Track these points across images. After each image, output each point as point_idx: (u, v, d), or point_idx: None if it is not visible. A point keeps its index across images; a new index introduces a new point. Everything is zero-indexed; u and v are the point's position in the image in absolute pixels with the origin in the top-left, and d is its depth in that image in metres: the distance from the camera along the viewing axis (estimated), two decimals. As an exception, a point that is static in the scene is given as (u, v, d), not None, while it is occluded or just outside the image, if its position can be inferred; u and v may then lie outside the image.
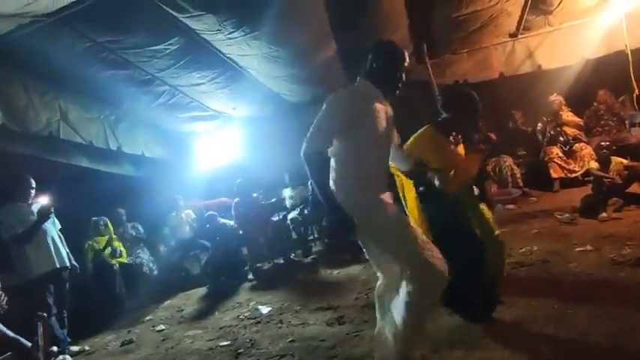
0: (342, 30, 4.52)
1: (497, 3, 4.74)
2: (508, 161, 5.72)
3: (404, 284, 1.90)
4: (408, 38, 5.31)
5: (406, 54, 2.08)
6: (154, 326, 4.03)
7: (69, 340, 3.78)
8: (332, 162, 2.05)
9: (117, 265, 4.78)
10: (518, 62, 5.41)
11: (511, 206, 5.11)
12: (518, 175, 5.63)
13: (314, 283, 4.24)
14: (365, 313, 3.08)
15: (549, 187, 5.52)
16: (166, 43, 4.14)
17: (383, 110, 2.02)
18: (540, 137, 5.88)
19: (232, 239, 4.95)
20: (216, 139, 6.82)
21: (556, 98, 5.79)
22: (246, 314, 3.74)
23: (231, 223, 5.09)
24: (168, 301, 4.81)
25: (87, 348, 3.84)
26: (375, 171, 2.04)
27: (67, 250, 3.86)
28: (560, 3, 4.84)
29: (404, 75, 2.07)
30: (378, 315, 2.19)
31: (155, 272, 5.21)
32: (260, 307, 3.79)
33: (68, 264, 3.79)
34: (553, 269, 3.11)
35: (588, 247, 3.34)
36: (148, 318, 4.33)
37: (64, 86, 4.51)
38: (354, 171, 1.99)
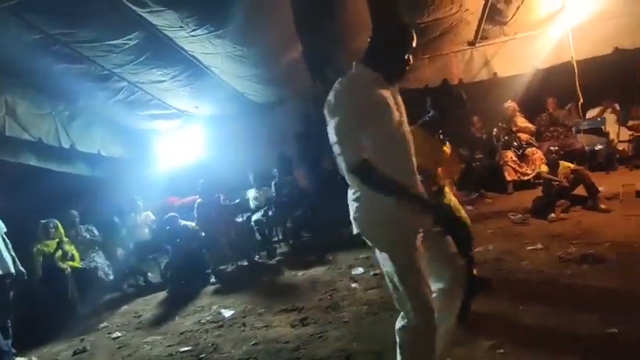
0: (308, 32, 4.54)
1: (457, 12, 4.95)
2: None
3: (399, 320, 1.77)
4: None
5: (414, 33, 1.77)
6: (109, 333, 3.85)
7: (14, 351, 3.53)
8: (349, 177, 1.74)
9: (69, 269, 4.52)
10: (475, 69, 5.66)
11: (469, 207, 5.32)
12: (476, 178, 5.87)
13: (278, 284, 4.21)
14: (329, 314, 3.11)
15: (504, 189, 5.81)
16: (125, 38, 3.98)
17: (391, 98, 1.72)
18: (495, 142, 6.17)
19: (194, 241, 4.82)
20: (179, 138, 6.63)
21: (510, 105, 6.09)
22: (208, 318, 3.65)
23: (193, 224, 4.96)
24: (125, 307, 4.61)
25: (34, 359, 3.60)
26: (401, 172, 1.68)
27: (13, 255, 3.61)
28: (513, 15, 5.12)
29: (412, 58, 1.76)
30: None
31: (111, 277, 4.98)
32: (222, 310, 3.72)
33: (13, 270, 3.54)
34: (506, 267, 3.28)
35: (539, 246, 3.55)
36: (102, 325, 4.13)
37: (12, 80, 4.22)
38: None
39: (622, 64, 6.01)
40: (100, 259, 5.00)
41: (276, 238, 5.59)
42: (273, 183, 5.67)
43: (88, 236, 5.13)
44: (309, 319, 3.10)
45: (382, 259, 1.74)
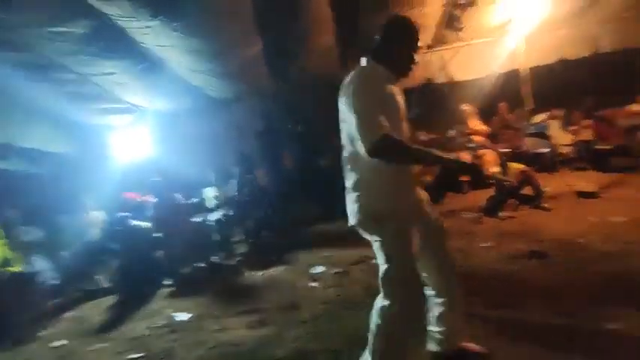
0: (269, 28, 4.47)
1: (417, 16, 5.06)
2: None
3: (381, 301, 1.81)
4: (333, 42, 5.43)
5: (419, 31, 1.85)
6: (51, 342, 3.58)
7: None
8: (349, 159, 1.83)
9: (5, 274, 4.16)
10: (434, 72, 5.83)
11: (426, 207, 5.47)
12: (428, 179, 6.04)
13: (237, 286, 4.11)
14: (287, 314, 3.07)
15: (459, 189, 6.02)
16: (71, 25, 3.71)
17: (399, 94, 1.81)
18: (452, 143, 6.40)
19: (147, 242, 4.60)
20: (133, 134, 6.31)
21: (467, 107, 6.34)
22: (161, 323, 3.49)
23: (146, 224, 4.73)
24: (71, 313, 4.31)
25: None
26: (401, 169, 1.79)
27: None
28: (469, 22, 5.32)
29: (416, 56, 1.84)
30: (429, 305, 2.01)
31: (55, 281, 4.64)
32: (177, 314, 3.56)
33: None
34: (458, 265, 3.37)
35: (490, 244, 3.70)
36: (43, 333, 3.84)
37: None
38: (379, 171, 1.74)
39: (566, 72, 6.45)
40: (42, 263, 4.65)
41: (235, 239, 5.46)
42: (232, 181, 5.53)
43: (29, 238, 4.75)
44: (267, 320, 3.04)
45: (378, 246, 1.80)
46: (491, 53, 5.81)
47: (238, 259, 4.90)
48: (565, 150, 6.04)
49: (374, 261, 3.82)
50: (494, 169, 5.66)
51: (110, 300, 4.45)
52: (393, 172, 1.76)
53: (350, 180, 1.83)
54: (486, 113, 6.73)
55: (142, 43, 4.21)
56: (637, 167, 5.47)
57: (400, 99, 1.82)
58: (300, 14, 4.53)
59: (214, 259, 4.87)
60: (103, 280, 4.94)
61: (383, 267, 1.78)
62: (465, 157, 6.02)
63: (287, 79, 5.98)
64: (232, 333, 2.99)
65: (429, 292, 1.94)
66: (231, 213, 5.10)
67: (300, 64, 5.73)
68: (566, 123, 6.19)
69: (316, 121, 6.86)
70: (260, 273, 4.20)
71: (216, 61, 4.87)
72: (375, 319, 1.83)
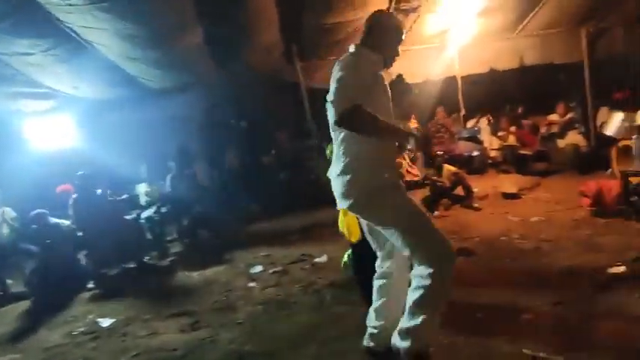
0: (211, 17, 4.27)
1: (360, 18, 5.14)
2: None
3: (420, 268, 1.77)
4: (279, 38, 5.35)
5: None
6: (-55, 357, 3.12)
7: None
8: (340, 143, 1.84)
9: None
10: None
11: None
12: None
13: (169, 287, 3.88)
14: (223, 315, 2.96)
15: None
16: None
17: (384, 80, 1.91)
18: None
19: (67, 242, 4.19)
20: (55, 122, 5.72)
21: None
22: (81, 329, 3.19)
23: (67, 222, 4.30)
24: (-26, 323, 3.80)
25: None
26: (388, 147, 1.88)
27: None
28: (410, 27, 5.51)
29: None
30: (377, 296, 2.02)
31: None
32: (100, 319, 3.28)
33: None
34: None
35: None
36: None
37: None
38: (369, 149, 1.78)
39: (495, 82, 6.96)
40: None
41: (169, 237, 5.16)
42: (169, 177, 5.23)
43: None
44: (201, 323, 2.90)
45: (383, 224, 1.81)
46: (430, 59, 6.07)
47: (172, 259, 4.64)
48: (493, 154, 6.50)
49: (316, 259, 3.86)
50: (429, 171, 5.95)
51: (22, 306, 3.99)
52: (381, 150, 1.83)
53: (339, 164, 1.84)
54: (424, 117, 7.07)
55: (66, 22, 3.80)
56: (553, 171, 6.06)
57: (385, 84, 1.91)
58: (242, 6, 4.38)
59: (145, 259, 4.57)
60: (15, 285, 4.41)
61: (396, 230, 1.77)
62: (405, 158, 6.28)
63: (231, 72, 5.78)
64: (162, 338, 2.81)
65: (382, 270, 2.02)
66: (164, 210, 4.80)
67: (244, 59, 5.57)
68: (495, 129, 6.67)
69: (261, 118, 6.74)
70: (195, 273, 4.01)
71: (155, 49, 4.56)
72: (419, 286, 1.77)
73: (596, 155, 5.85)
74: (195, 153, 6.12)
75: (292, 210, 5.80)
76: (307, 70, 5.82)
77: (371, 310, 2.04)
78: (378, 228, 1.86)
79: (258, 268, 3.81)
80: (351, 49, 1.87)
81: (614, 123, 4.39)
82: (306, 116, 5.88)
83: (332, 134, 1.91)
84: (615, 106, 5.57)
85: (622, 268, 2.54)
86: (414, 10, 5.20)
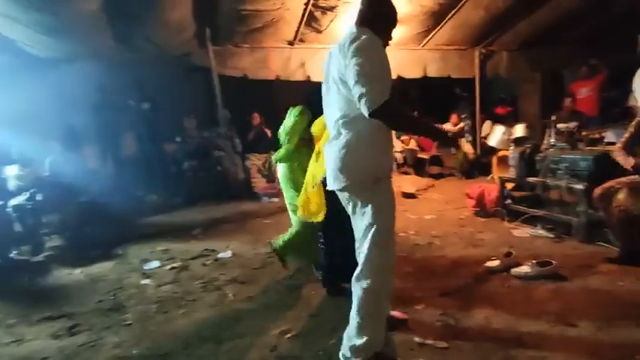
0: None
1: (279, 9, 5.05)
2: (277, 158, 6.19)
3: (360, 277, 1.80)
4: (190, 18, 5.00)
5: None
6: None
7: None
8: (343, 125, 1.77)
9: None
10: (292, 69, 5.93)
11: (275, 199, 5.55)
12: (285, 172, 6.19)
13: (43, 287, 3.35)
14: (109, 317, 2.64)
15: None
16: None
17: None
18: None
19: None
20: None
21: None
22: None
23: None
24: None
25: None
26: (389, 134, 1.88)
27: None
28: (327, 26, 5.58)
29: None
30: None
31: None
32: (-55, 327, 2.69)
33: None
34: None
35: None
36: None
37: None
38: (379, 133, 1.77)
39: (403, 89, 7.45)
40: None
41: (46, 230, 4.46)
42: (48, 159, 4.52)
43: None
44: (81, 327, 2.55)
45: (366, 206, 1.77)
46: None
47: (48, 254, 4.02)
48: (397, 156, 6.96)
49: (220, 255, 3.69)
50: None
51: None
52: (384, 134, 1.81)
53: (340, 143, 1.79)
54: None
55: None
56: (445, 175, 6.74)
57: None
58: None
59: (13, 254, 3.89)
60: None
61: (372, 226, 1.76)
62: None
63: (133, 48, 5.22)
64: (30, 345, 2.41)
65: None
66: (40, 197, 4.12)
67: (149, 35, 5.07)
68: (398, 133, 7.14)
69: (166, 102, 6.23)
70: (78, 271, 3.54)
71: (40, 10, 3.90)
72: (364, 279, 1.79)
73: (481, 162, 6.65)
74: (84, 134, 5.42)
75: (196, 203, 5.49)
76: (221, 55, 5.55)
77: None
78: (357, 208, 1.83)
79: (154, 264, 3.51)
80: (359, 30, 1.75)
81: (495, 135, 4.99)
82: (217, 104, 5.60)
83: (329, 113, 1.87)
84: (497, 120, 6.38)
85: (496, 262, 2.89)
86: (331, 9, 5.27)
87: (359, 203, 1.81)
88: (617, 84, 6.00)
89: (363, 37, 1.70)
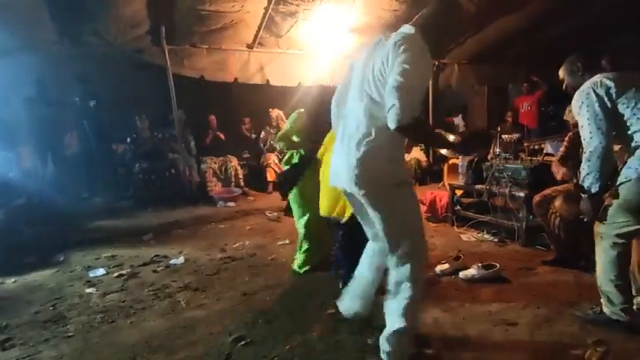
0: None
1: (239, 11, 5.00)
2: (233, 162, 6.10)
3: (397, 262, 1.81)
4: (145, 13, 4.80)
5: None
6: None
7: None
8: (373, 130, 1.70)
9: None
10: (251, 72, 5.87)
11: (231, 204, 5.45)
12: (241, 176, 6.11)
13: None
14: (47, 329, 2.45)
15: (265, 188, 6.26)
16: None
17: None
18: (262, 144, 6.62)
19: None
20: None
21: (275, 112, 6.67)
22: None
23: None
24: None
25: None
26: (402, 142, 1.85)
27: None
28: (287, 31, 5.60)
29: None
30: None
31: None
32: None
33: None
34: (257, 261, 3.47)
35: (286, 241, 3.95)
36: None
37: None
38: (399, 143, 1.79)
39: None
40: None
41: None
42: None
43: None
44: (14, 340, 2.35)
45: (381, 207, 1.76)
46: (303, 65, 6.26)
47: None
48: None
49: (171, 261, 3.55)
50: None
51: None
52: (401, 142, 1.82)
53: (358, 148, 1.72)
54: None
55: None
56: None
57: None
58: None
59: None
60: None
61: (397, 231, 1.80)
62: (272, 158, 6.34)
63: (79, 42, 4.92)
64: (-49, 364, 2.18)
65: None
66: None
67: (97, 29, 4.81)
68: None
69: (116, 100, 5.92)
70: (11, 280, 3.25)
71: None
72: (398, 282, 1.83)
73: (433, 169, 6.93)
74: (21, 132, 5.02)
75: (147, 206, 5.25)
76: (177, 55, 5.37)
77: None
78: (373, 214, 1.81)
79: (100, 272, 3.31)
80: (415, 34, 1.68)
81: (446, 144, 5.22)
82: (172, 104, 5.41)
83: (350, 113, 1.82)
84: (447, 129, 6.69)
85: (446, 265, 3.02)
86: (292, 15, 5.29)
87: (374, 205, 1.78)
88: (555, 99, 6.54)
89: (417, 44, 1.63)
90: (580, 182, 2.07)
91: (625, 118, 1.99)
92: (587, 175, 2.00)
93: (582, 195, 2.08)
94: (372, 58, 1.71)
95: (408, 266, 1.79)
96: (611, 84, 1.99)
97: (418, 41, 1.65)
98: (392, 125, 1.56)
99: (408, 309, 1.80)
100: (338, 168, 1.87)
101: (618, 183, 2.02)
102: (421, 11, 1.80)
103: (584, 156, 2.02)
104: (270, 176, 6.23)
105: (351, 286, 2.18)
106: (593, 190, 2.01)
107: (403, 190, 1.80)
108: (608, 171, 1.99)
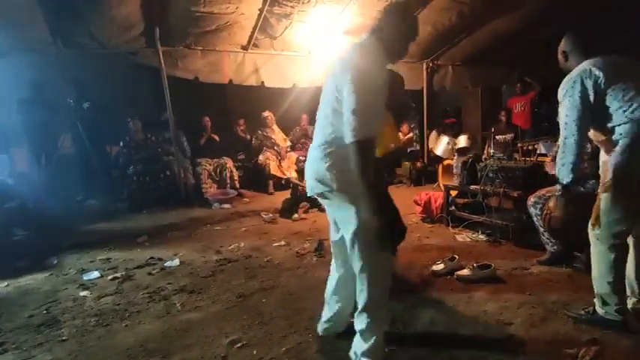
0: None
1: (233, 13, 4.99)
2: (229, 163, 6.08)
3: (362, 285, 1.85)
4: (139, 15, 4.79)
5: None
6: None
7: None
8: (335, 145, 1.75)
9: None
10: (246, 74, 5.86)
11: (227, 205, 5.44)
12: (236, 178, 6.09)
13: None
14: (41, 333, 2.43)
15: (265, 189, 6.26)
16: None
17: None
18: (257, 144, 6.62)
19: None
20: None
21: (268, 114, 6.68)
22: None
23: None
24: None
25: None
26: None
27: None
28: (282, 33, 5.60)
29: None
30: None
31: None
32: None
33: None
34: (253, 263, 3.46)
35: (282, 243, 3.94)
36: None
37: None
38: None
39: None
40: None
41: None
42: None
43: None
44: (8, 345, 2.33)
45: (347, 213, 1.77)
46: (299, 67, 6.27)
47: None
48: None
49: (167, 263, 3.54)
50: (292, 174, 6.15)
51: None
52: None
53: (327, 157, 1.78)
54: (290, 122, 7.29)
55: None
56: (394, 182, 6.93)
57: (385, 84, 1.83)
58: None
59: None
60: None
61: (361, 229, 1.76)
62: (270, 155, 6.35)
63: (72, 44, 4.89)
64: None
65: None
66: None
67: (91, 30, 4.78)
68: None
69: (110, 102, 5.89)
70: (4, 284, 3.22)
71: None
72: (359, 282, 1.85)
73: (428, 170, 6.96)
74: (14, 134, 4.98)
75: (141, 209, 5.22)
76: (171, 56, 5.35)
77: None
78: (342, 223, 1.86)
79: (94, 275, 3.29)
80: (364, 40, 1.78)
81: (441, 145, 5.26)
82: (166, 106, 5.39)
83: (321, 120, 1.85)
84: (444, 131, 6.73)
85: (441, 266, 3.04)
86: (287, 16, 5.30)
87: (349, 205, 1.79)
88: (548, 100, 6.60)
89: (366, 58, 1.72)
90: (556, 173, 2.10)
91: (610, 111, 2.00)
92: (562, 167, 2.06)
93: (559, 187, 2.13)
94: (335, 73, 1.78)
95: (369, 270, 1.82)
96: (600, 74, 1.98)
97: (371, 52, 1.76)
98: (348, 140, 1.65)
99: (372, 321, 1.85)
100: (311, 173, 1.89)
101: (608, 179, 2.04)
102: (378, 18, 1.87)
103: (559, 146, 2.07)
104: (274, 170, 6.22)
105: (327, 315, 2.18)
106: (566, 181, 2.06)
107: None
108: (579, 165, 2.03)
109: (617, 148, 1.98)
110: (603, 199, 2.05)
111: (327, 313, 2.19)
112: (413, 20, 1.89)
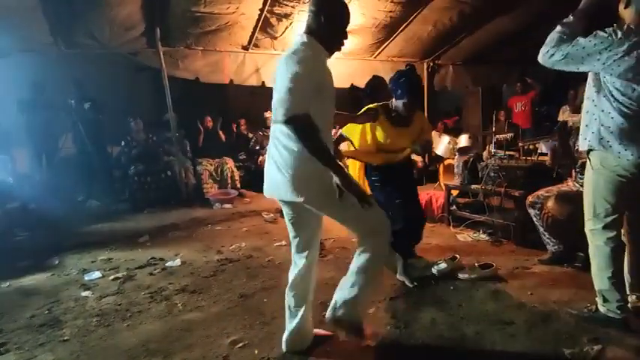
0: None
1: (234, 13, 5.00)
2: (229, 163, 6.09)
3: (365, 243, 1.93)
4: (140, 16, 4.80)
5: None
6: None
7: None
8: (284, 133, 1.76)
9: None
10: (246, 74, 5.87)
11: (228, 205, 5.44)
12: (237, 178, 6.09)
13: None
14: (43, 333, 2.43)
15: (262, 189, 6.25)
16: None
17: (330, 73, 1.88)
18: (258, 146, 6.62)
19: None
20: None
21: (269, 115, 6.66)
22: None
23: None
24: None
25: None
26: (329, 138, 1.90)
27: None
28: (282, 33, 5.60)
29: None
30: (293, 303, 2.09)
31: None
32: None
33: None
34: (254, 263, 3.47)
35: (283, 242, 3.94)
36: None
37: None
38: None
39: (354, 97, 7.63)
40: None
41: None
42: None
43: None
44: (10, 345, 2.33)
45: (319, 207, 1.88)
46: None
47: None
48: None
49: (168, 263, 3.54)
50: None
51: None
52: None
53: (282, 158, 1.79)
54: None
55: None
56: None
57: (331, 78, 1.87)
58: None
59: None
60: None
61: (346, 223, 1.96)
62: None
63: (74, 44, 4.90)
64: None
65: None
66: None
67: (92, 31, 4.79)
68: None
69: (111, 102, 5.90)
70: (5, 284, 3.23)
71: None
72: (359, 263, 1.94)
73: (428, 170, 6.95)
74: (13, 135, 4.98)
75: (143, 209, 5.23)
76: (172, 57, 5.36)
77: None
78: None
79: (96, 275, 3.29)
80: (302, 39, 1.81)
81: (442, 144, 5.25)
82: (167, 106, 5.40)
83: (272, 126, 1.87)
84: (445, 130, 6.73)
85: (443, 266, 3.03)
86: (287, 16, 5.30)
87: (322, 210, 1.93)
88: (548, 100, 6.60)
89: (303, 49, 1.75)
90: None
91: (611, 91, 1.95)
92: (545, 46, 2.15)
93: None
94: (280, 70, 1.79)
95: (367, 251, 1.92)
96: (632, 62, 1.86)
97: (309, 47, 1.78)
98: (281, 118, 1.67)
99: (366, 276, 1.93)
100: (272, 177, 1.90)
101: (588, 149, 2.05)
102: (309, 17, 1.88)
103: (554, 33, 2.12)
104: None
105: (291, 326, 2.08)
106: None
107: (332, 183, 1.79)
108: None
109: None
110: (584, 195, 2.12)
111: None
112: (344, 10, 1.92)
